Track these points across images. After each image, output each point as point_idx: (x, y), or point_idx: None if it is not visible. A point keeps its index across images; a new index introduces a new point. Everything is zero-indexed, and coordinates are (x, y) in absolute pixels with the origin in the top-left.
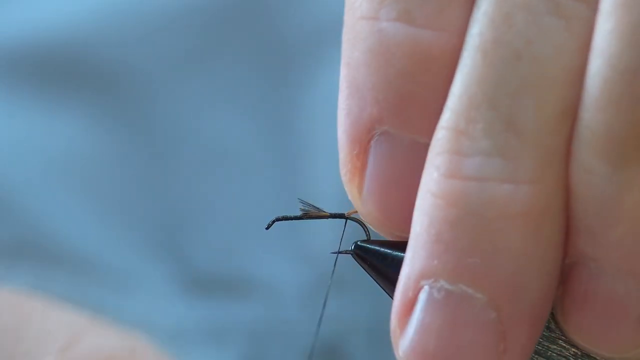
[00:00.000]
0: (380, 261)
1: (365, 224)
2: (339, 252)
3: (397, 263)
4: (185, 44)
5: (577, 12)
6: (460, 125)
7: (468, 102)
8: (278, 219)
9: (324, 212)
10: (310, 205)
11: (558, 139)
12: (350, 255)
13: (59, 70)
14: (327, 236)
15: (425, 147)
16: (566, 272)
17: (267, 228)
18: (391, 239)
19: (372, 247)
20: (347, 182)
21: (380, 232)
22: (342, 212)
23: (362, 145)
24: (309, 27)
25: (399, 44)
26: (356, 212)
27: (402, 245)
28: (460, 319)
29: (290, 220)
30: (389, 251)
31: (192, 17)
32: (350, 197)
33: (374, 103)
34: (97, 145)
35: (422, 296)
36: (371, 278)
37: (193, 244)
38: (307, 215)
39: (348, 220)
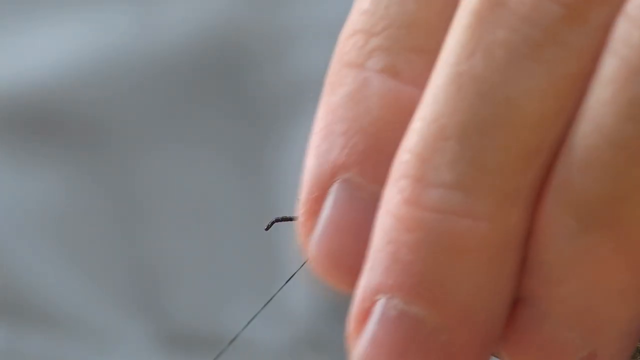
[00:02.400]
0: None
1: None
2: None
3: None
4: (164, 99)
5: (555, 57)
6: (426, 153)
7: (437, 131)
8: (277, 220)
9: None
10: None
11: (523, 180)
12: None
13: (35, 123)
14: (307, 296)
15: None
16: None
17: (266, 229)
18: (339, 291)
19: None
20: (301, 224)
21: (327, 282)
22: None
23: (323, 189)
24: (289, 81)
25: (379, 95)
26: None
27: None
28: (412, 339)
29: (289, 222)
30: None
31: (171, 73)
32: (300, 241)
33: (344, 149)
34: (75, 201)
35: (377, 309)
36: None
37: (172, 302)
38: None
39: None
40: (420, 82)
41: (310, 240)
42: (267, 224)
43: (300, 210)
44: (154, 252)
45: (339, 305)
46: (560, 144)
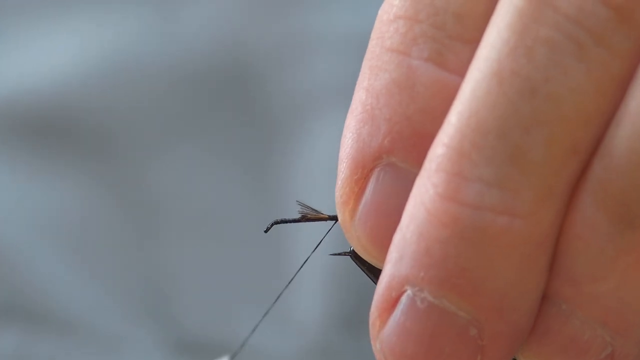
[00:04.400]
0: None
1: None
2: (337, 254)
3: None
4: (175, 106)
5: (598, 58)
6: (464, 147)
7: (476, 126)
8: (277, 222)
9: (322, 214)
10: (308, 207)
11: (561, 179)
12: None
13: (49, 132)
14: (317, 306)
15: None
16: None
17: (265, 231)
18: (375, 266)
19: None
20: (341, 204)
21: (364, 258)
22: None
23: (365, 171)
24: (295, 94)
25: (426, 84)
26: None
27: None
28: (441, 331)
29: (288, 223)
30: None
31: (182, 80)
32: (340, 220)
33: (388, 134)
34: (87, 208)
35: (405, 300)
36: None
37: (182, 309)
38: (305, 217)
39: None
40: (466, 72)
41: (352, 219)
42: (266, 226)
43: (340, 190)
44: (163, 259)
45: (347, 316)
46: (597, 144)
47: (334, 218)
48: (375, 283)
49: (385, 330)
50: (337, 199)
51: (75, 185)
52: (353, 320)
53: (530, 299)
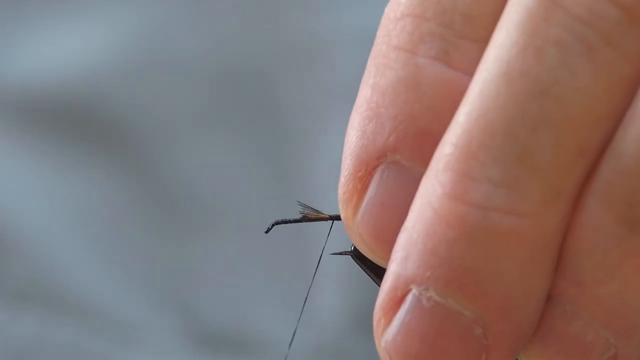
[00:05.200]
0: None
1: None
2: (338, 254)
3: None
4: (193, 102)
5: (607, 59)
6: (472, 147)
7: (484, 126)
8: (277, 223)
9: (323, 214)
10: (309, 207)
11: (567, 180)
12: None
13: (73, 121)
14: (333, 305)
15: None
16: None
17: (266, 232)
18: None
19: None
20: (344, 201)
21: (366, 255)
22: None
23: (368, 168)
24: (311, 91)
25: (433, 83)
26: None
27: None
28: (447, 330)
29: (290, 224)
30: None
31: (200, 77)
32: (343, 217)
33: (392, 132)
34: (108, 198)
35: (410, 299)
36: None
37: (200, 300)
38: (306, 217)
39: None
40: (473, 71)
41: (354, 216)
42: (267, 227)
43: (343, 187)
44: (184, 251)
45: (364, 315)
46: (605, 145)
47: (335, 218)
48: (376, 282)
49: (389, 329)
50: (340, 196)
51: (96, 173)
52: (369, 319)
53: (534, 299)
